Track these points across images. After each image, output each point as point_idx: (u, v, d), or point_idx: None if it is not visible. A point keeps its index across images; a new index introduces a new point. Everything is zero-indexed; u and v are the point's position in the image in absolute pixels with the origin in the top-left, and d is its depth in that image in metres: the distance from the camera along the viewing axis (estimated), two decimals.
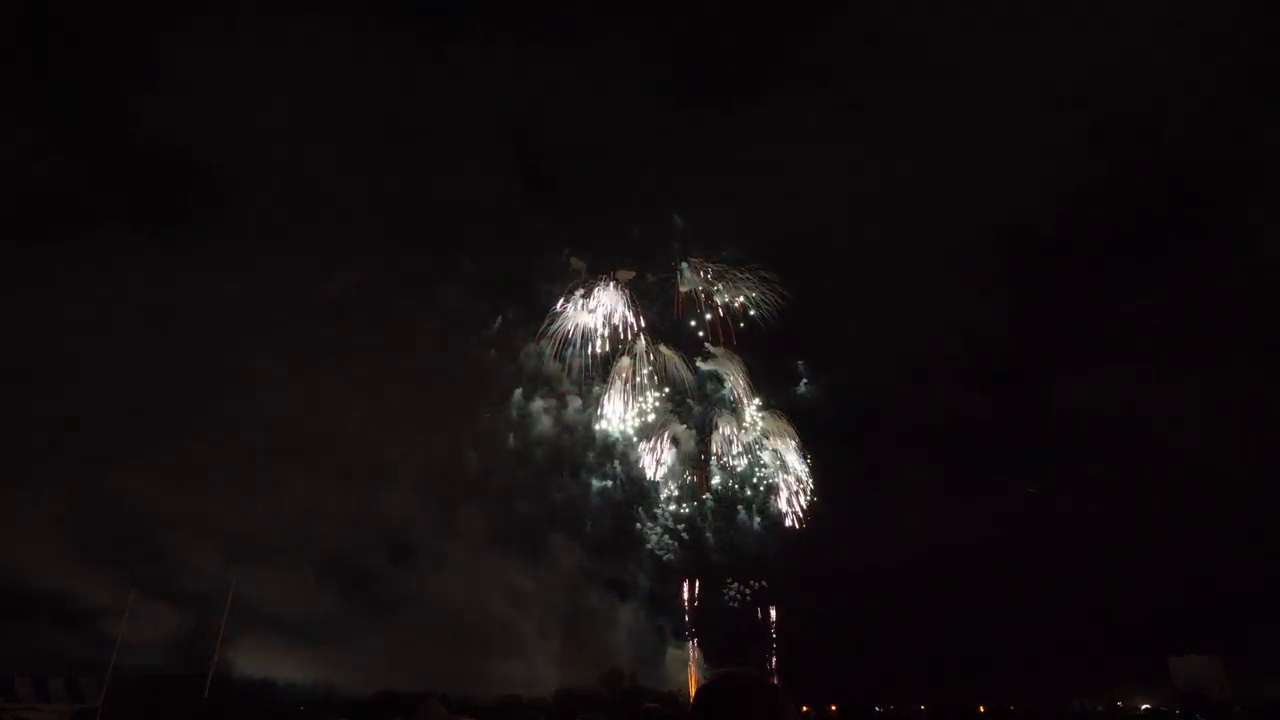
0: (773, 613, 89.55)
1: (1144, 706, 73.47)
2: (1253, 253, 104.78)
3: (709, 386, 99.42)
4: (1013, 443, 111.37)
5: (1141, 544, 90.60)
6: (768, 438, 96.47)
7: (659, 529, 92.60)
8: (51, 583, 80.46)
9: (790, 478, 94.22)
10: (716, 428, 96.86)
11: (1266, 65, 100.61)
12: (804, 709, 74.65)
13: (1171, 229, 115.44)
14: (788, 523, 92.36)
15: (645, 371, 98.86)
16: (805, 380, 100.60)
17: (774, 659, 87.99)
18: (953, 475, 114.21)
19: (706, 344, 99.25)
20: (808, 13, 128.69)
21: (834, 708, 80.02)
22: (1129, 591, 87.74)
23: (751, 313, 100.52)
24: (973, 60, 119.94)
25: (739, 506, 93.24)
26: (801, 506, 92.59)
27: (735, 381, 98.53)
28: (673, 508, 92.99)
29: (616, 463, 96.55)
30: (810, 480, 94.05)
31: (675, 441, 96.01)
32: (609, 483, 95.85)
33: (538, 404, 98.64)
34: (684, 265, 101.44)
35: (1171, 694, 72.84)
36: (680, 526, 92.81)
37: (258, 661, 68.19)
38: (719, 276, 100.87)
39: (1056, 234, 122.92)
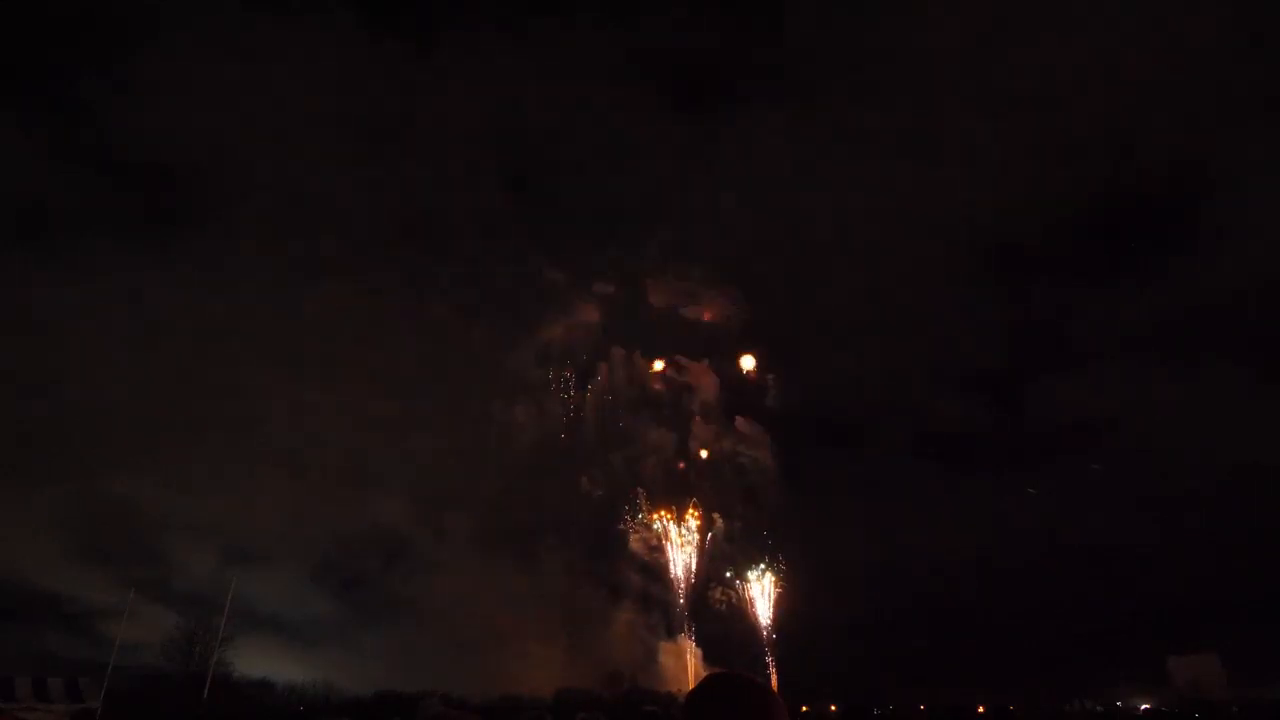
0: (768, 614, 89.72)
1: (1144, 706, 73.40)
2: (1235, 255, 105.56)
3: (682, 396, 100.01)
4: (1010, 446, 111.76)
5: (1141, 545, 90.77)
6: (741, 445, 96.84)
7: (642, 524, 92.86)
8: (51, 584, 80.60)
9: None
10: (692, 435, 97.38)
11: (1244, 73, 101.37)
12: (803, 709, 74.55)
13: (1155, 234, 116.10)
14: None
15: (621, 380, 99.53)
16: (773, 392, 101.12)
17: (771, 659, 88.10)
18: (950, 479, 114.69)
19: (678, 356, 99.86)
20: (797, 23, 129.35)
21: (833, 708, 79.95)
22: (1129, 591, 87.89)
23: (724, 323, 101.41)
24: (956, 70, 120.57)
25: (716, 515, 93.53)
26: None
27: (705, 392, 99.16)
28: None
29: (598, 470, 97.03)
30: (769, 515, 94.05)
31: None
32: (599, 492, 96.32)
33: (522, 410, 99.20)
34: (660, 275, 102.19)
35: (1171, 694, 72.79)
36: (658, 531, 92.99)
37: (257, 661, 68.19)
38: (695, 287, 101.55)
39: (1040, 240, 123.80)
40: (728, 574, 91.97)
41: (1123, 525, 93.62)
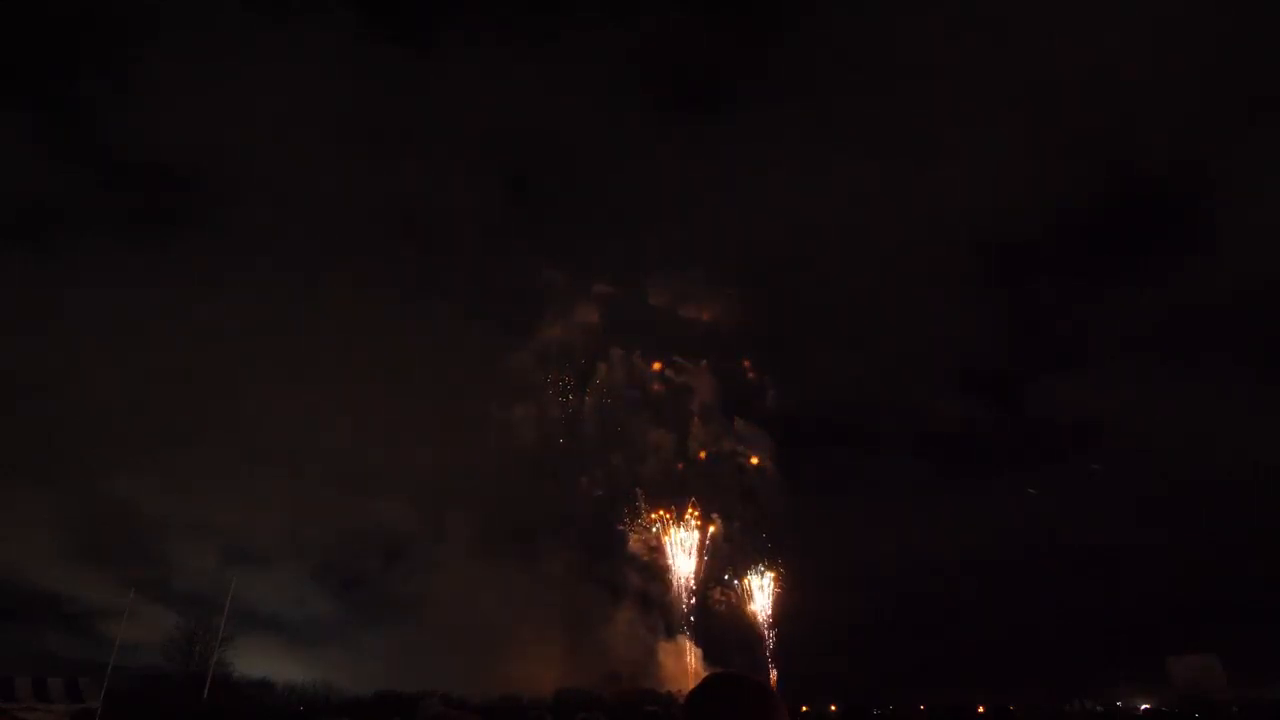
0: (767, 614, 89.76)
1: (1143, 706, 73.37)
2: (1235, 255, 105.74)
3: (681, 396, 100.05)
4: (1010, 446, 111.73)
5: (1141, 545, 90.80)
6: (741, 445, 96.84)
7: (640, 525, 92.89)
8: (51, 584, 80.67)
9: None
10: (691, 435, 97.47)
11: (1244, 73, 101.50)
12: (803, 709, 74.53)
13: (1154, 234, 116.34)
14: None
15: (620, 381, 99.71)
16: (772, 392, 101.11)
17: (771, 659, 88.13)
18: (950, 479, 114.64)
19: (676, 358, 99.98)
20: (796, 23, 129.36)
21: (833, 708, 79.95)
22: (1128, 592, 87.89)
23: (723, 324, 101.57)
24: (956, 70, 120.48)
25: (715, 515, 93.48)
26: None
27: (704, 392, 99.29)
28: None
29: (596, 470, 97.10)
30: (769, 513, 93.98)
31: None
32: (599, 492, 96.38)
33: (522, 409, 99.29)
34: (660, 276, 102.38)
35: (1171, 694, 72.77)
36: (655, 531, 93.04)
37: (257, 661, 68.31)
38: (695, 287, 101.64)
39: (1040, 240, 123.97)
40: (725, 577, 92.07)
41: (1123, 525, 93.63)
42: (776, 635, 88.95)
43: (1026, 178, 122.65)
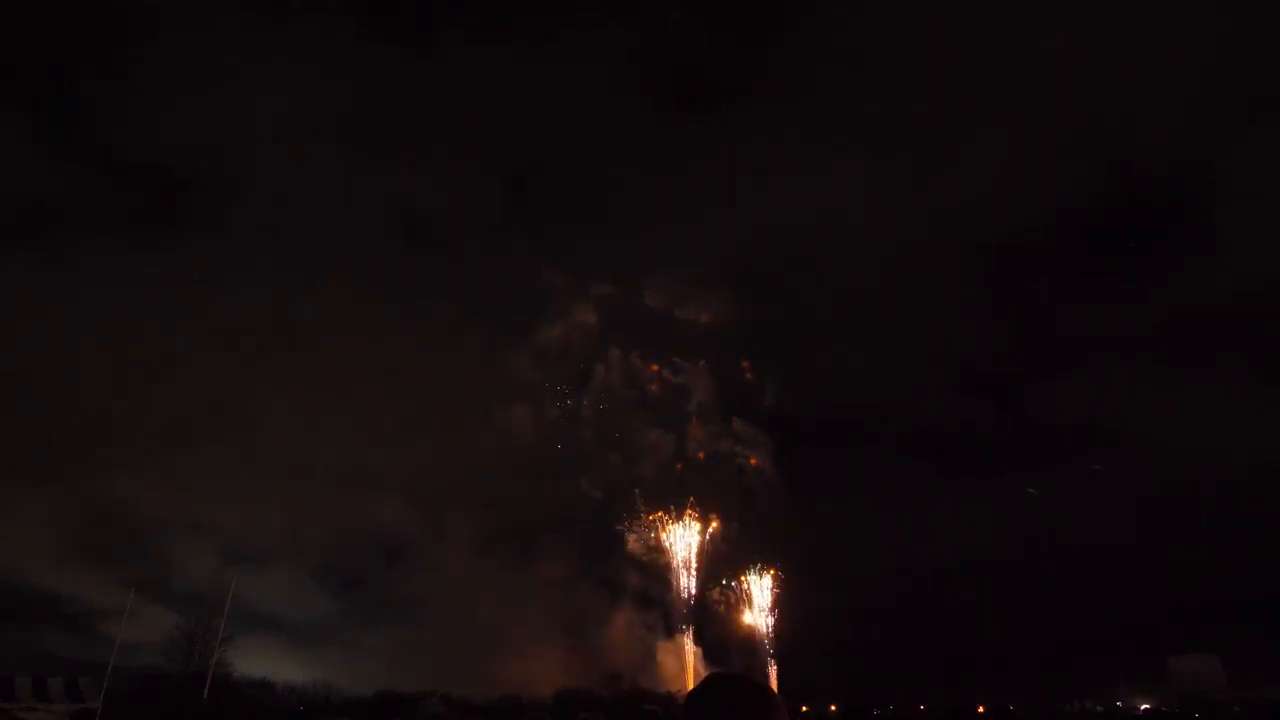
0: (767, 613, 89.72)
1: (1144, 706, 73.41)
2: (1235, 255, 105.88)
3: (679, 396, 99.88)
4: (1009, 446, 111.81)
5: (1141, 545, 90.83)
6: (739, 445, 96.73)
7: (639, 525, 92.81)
8: (51, 584, 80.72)
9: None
10: (689, 436, 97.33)
11: (1244, 73, 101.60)
12: (804, 709, 74.53)
13: (1154, 234, 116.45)
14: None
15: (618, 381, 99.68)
16: (771, 392, 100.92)
17: (771, 659, 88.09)
18: (950, 479, 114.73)
19: (674, 358, 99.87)
20: (797, 23, 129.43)
21: (833, 708, 79.97)
22: (1129, 591, 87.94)
23: (721, 324, 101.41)
24: (956, 70, 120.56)
25: (714, 516, 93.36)
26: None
27: (702, 393, 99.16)
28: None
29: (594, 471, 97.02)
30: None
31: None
32: (598, 493, 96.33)
33: (521, 410, 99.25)
34: (659, 276, 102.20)
35: (1171, 694, 72.80)
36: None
37: (257, 662, 68.28)
38: (693, 287, 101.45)
39: (1040, 240, 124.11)
40: (724, 580, 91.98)
41: (1123, 525, 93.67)
42: (776, 635, 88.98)
43: (1026, 178, 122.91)
